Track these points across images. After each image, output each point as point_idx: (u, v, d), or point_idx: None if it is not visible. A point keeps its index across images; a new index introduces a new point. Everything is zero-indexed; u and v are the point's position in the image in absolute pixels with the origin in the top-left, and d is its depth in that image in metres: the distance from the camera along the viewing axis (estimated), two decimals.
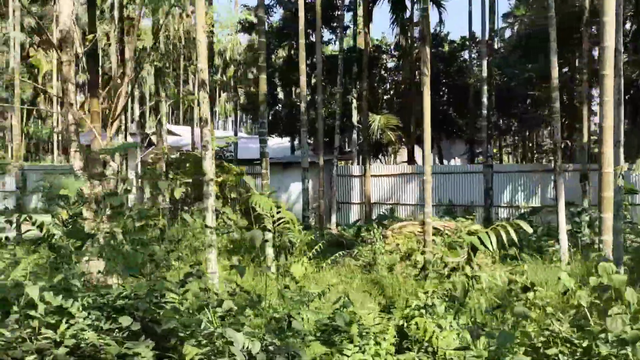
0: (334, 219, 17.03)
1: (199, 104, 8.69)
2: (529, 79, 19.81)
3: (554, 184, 13.48)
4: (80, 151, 9.38)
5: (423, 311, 4.57)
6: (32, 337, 4.16)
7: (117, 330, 4.57)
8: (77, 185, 7.23)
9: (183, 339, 4.44)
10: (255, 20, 23.32)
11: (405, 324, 4.60)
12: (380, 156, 26.88)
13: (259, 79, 11.58)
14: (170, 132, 27.49)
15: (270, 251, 11.46)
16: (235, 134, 28.09)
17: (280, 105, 25.62)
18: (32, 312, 4.19)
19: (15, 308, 4.23)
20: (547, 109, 20.91)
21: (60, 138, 33.65)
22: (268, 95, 25.34)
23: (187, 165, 22.73)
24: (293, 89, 25.39)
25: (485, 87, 17.24)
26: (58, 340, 4.26)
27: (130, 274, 5.81)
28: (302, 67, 13.92)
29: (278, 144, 28.94)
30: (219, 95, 50.58)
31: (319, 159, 16.46)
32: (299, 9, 13.81)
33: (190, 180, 20.73)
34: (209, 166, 9.18)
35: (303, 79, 14.06)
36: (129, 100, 23.51)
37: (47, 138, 42.07)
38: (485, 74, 17.28)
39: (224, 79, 39.88)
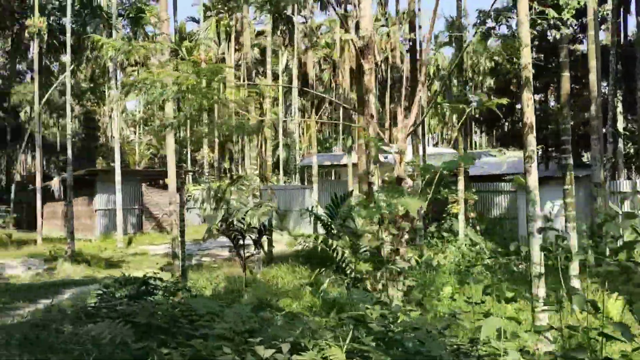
0: None
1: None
2: None
3: None
4: (381, 166, 8.53)
5: None
6: None
7: None
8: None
9: None
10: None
11: None
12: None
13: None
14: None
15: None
16: (465, 150, 26.22)
17: (518, 115, 23.11)
18: None
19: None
20: None
21: (281, 159, 35.70)
22: (503, 105, 23.16)
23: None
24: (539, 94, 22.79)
25: None
26: None
27: None
28: (592, 63, 11.66)
29: (510, 157, 26.30)
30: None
31: (601, 172, 13.84)
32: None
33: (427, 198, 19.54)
34: (534, 182, 7.61)
35: (593, 78, 11.80)
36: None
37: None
38: None
39: (428, 94, 38.80)
